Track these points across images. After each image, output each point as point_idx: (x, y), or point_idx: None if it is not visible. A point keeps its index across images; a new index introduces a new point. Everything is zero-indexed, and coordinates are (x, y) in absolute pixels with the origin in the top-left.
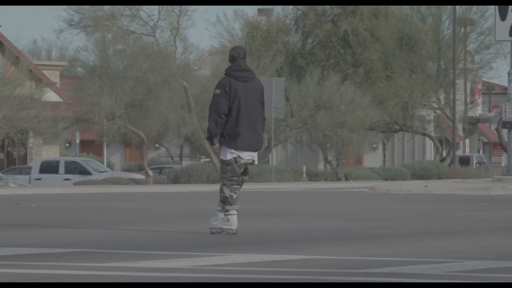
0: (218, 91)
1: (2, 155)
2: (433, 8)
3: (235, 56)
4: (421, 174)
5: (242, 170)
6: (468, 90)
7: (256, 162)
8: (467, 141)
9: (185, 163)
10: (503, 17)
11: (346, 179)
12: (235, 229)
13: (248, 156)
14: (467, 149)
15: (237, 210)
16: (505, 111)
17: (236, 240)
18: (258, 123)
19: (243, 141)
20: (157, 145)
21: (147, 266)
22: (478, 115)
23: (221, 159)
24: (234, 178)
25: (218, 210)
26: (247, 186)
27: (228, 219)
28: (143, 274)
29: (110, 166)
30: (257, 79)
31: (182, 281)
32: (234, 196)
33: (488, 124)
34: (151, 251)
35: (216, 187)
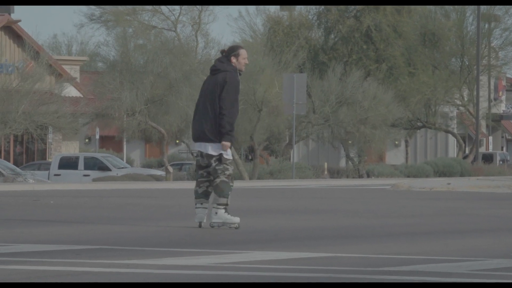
0: (230, 88)
1: (19, 147)
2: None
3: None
4: (443, 171)
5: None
6: (492, 87)
7: (208, 153)
8: (490, 138)
9: None
10: None
11: (368, 176)
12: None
13: (197, 147)
14: (491, 146)
15: (201, 204)
16: None
17: (257, 237)
18: (204, 114)
19: (191, 132)
20: (177, 141)
21: (167, 264)
22: (501, 112)
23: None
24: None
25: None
26: (267, 183)
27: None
28: (163, 272)
29: (130, 162)
30: (224, 73)
31: (204, 280)
32: (199, 190)
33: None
34: (172, 248)
35: (237, 183)
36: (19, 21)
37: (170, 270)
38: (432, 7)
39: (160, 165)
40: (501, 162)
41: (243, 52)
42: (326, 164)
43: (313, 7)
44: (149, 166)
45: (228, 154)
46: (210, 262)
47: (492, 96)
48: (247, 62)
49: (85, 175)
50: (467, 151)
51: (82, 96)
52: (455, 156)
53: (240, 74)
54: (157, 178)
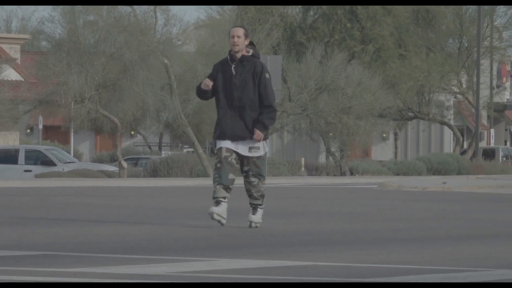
0: (268, 75)
1: None
2: None
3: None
4: (438, 168)
5: None
6: (495, 72)
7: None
8: (492, 131)
9: (165, 153)
10: None
11: (352, 173)
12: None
13: None
14: (492, 140)
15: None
16: None
17: (224, 243)
18: None
19: None
20: (132, 132)
21: (119, 272)
22: (505, 100)
23: (261, 154)
24: None
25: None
26: (236, 181)
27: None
28: (114, 282)
29: (78, 156)
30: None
31: None
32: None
33: None
34: (125, 255)
35: (200, 181)
36: None
37: (122, 280)
38: None
39: (113, 159)
40: (504, 159)
41: (231, 31)
42: (303, 159)
43: None
44: (100, 160)
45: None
46: (168, 271)
47: (494, 82)
48: (235, 40)
49: (26, 171)
50: (465, 146)
51: (23, 80)
52: (452, 151)
53: (232, 56)
54: (109, 175)
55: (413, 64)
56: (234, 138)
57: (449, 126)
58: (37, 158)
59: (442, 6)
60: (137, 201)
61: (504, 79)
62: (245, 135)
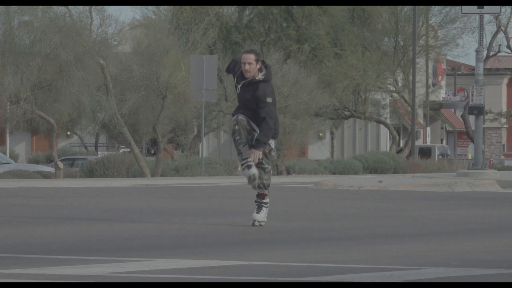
0: (270, 99)
1: None
2: None
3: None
4: (374, 167)
5: None
6: (430, 71)
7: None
8: (428, 129)
9: (101, 153)
10: None
11: (288, 173)
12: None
13: None
14: (428, 139)
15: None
16: (472, 95)
17: (160, 243)
18: None
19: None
20: (68, 133)
21: (55, 273)
22: (441, 99)
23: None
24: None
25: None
26: (172, 181)
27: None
28: (49, 282)
29: (14, 157)
30: None
31: None
32: None
33: (452, 110)
34: (61, 256)
35: (137, 181)
36: None
37: (57, 280)
38: None
39: (49, 160)
40: (440, 157)
41: (242, 57)
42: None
43: None
44: (36, 161)
45: None
46: (103, 271)
47: (430, 81)
48: (247, 67)
49: None
50: (401, 144)
51: None
52: (388, 150)
53: (240, 82)
54: (45, 175)
55: (349, 63)
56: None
57: (385, 125)
58: None
59: (378, 4)
60: (73, 202)
61: (440, 77)
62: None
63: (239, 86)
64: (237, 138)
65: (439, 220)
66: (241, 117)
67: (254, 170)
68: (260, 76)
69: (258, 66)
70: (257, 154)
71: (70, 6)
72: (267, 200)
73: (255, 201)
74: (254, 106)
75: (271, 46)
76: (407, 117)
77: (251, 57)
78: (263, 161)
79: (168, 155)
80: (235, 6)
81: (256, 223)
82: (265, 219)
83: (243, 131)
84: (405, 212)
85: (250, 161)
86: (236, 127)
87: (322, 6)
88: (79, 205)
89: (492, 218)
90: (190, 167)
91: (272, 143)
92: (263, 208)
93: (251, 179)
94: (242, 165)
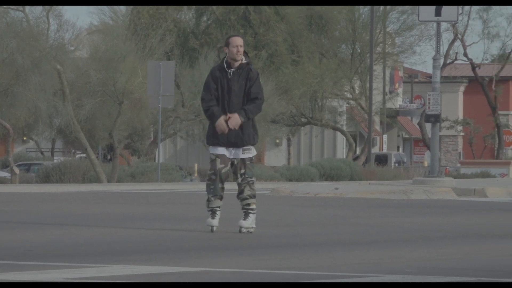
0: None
1: None
2: None
3: None
4: (331, 174)
5: None
6: (387, 78)
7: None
8: (384, 136)
9: (58, 159)
10: None
11: None
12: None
13: None
14: (385, 146)
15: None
16: (429, 103)
17: (116, 249)
18: None
19: None
20: (24, 138)
21: (9, 279)
22: (398, 106)
23: (253, 156)
24: None
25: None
26: (128, 187)
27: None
28: None
29: None
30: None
31: None
32: None
33: (409, 118)
34: (17, 261)
35: (93, 187)
36: None
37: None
38: None
39: (5, 165)
40: (396, 164)
41: (232, 40)
42: (196, 165)
43: None
44: None
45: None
46: (59, 277)
47: (387, 88)
48: (239, 49)
49: None
50: (358, 152)
51: None
52: (345, 157)
53: (229, 64)
54: (0, 181)
55: (306, 70)
56: (229, 145)
57: (342, 132)
58: None
59: (335, 11)
60: (29, 207)
61: (397, 85)
62: (239, 142)
63: (230, 73)
64: (211, 187)
65: (395, 227)
66: (219, 164)
67: (215, 222)
68: (245, 60)
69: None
70: (238, 120)
71: (27, 11)
72: (253, 206)
73: (243, 208)
74: (240, 95)
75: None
76: (364, 124)
77: (241, 40)
78: (247, 174)
79: (125, 161)
80: (192, 11)
81: (244, 230)
82: (254, 225)
83: (219, 181)
84: (361, 220)
85: (216, 209)
86: (213, 177)
87: (280, 12)
88: (35, 211)
89: (448, 226)
90: (147, 173)
91: (253, 151)
92: (250, 215)
93: (209, 228)
94: (208, 210)
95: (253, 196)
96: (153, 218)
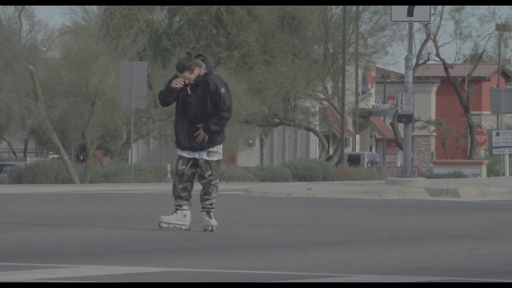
0: (224, 89)
1: None
2: None
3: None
4: (304, 174)
5: None
6: (360, 78)
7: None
8: (357, 137)
9: (30, 159)
10: None
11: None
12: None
13: None
14: (358, 147)
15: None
16: (402, 103)
17: (88, 249)
18: None
19: None
20: None
21: None
22: (370, 107)
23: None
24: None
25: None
26: (101, 187)
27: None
28: None
29: None
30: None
31: None
32: None
33: (382, 118)
34: None
35: (66, 188)
36: None
37: None
38: None
39: None
40: (369, 165)
41: (177, 73)
42: (169, 166)
43: None
44: None
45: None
46: (31, 278)
47: (360, 89)
48: (186, 81)
49: None
50: (331, 152)
51: None
52: (317, 157)
53: (188, 86)
54: None
55: (278, 70)
56: (192, 149)
57: (315, 132)
58: None
59: (308, 12)
60: (1, 208)
61: (369, 85)
62: (201, 147)
63: (187, 90)
64: (173, 187)
65: (368, 227)
66: (180, 165)
67: (164, 218)
68: (203, 71)
69: (197, 71)
70: (203, 135)
71: None
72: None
73: (202, 208)
74: (205, 104)
75: (201, 53)
76: (337, 125)
77: (186, 74)
78: (212, 176)
79: (97, 161)
80: (165, 12)
81: (210, 228)
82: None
83: (179, 181)
84: (334, 220)
85: (176, 207)
86: (174, 177)
87: (252, 12)
88: (8, 212)
89: (421, 226)
90: (119, 173)
91: (219, 150)
92: (211, 212)
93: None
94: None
95: (213, 195)
96: (127, 219)
